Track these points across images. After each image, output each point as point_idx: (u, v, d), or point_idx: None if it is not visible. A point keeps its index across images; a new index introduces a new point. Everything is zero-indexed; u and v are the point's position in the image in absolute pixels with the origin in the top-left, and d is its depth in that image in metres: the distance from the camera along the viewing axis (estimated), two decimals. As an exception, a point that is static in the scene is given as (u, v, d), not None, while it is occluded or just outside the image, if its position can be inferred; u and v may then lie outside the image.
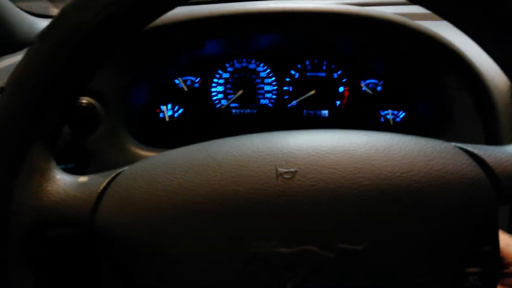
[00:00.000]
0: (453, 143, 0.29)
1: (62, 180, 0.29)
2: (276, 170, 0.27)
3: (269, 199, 0.26)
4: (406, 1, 0.59)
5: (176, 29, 0.58)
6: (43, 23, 0.82)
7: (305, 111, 0.74)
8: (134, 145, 0.59)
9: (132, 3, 0.26)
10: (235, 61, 0.74)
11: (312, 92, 0.73)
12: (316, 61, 0.73)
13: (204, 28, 0.59)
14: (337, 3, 0.57)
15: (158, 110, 0.74)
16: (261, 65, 0.74)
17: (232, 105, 0.75)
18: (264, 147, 0.28)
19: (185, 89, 0.74)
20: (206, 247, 0.26)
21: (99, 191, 0.28)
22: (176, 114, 0.75)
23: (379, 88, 0.72)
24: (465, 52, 0.55)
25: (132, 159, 0.58)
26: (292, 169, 0.27)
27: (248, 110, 0.75)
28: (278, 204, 0.26)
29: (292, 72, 0.73)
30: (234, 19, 0.57)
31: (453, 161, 0.27)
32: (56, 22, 0.26)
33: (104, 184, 0.29)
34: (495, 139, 0.53)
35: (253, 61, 0.74)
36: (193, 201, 0.27)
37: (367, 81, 0.72)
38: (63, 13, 0.26)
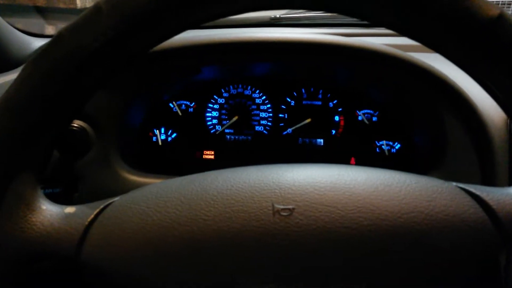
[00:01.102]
0: (454, 183, 0.28)
1: (47, 211, 0.27)
2: (273, 206, 0.26)
3: (265, 238, 0.25)
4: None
5: (173, 55, 0.57)
6: (38, 42, 0.82)
7: (300, 139, 0.74)
8: (125, 170, 0.58)
9: (131, 30, 0.25)
10: (231, 86, 0.74)
11: (308, 120, 0.73)
12: (312, 89, 0.73)
13: (200, 55, 0.59)
14: (331, 33, 0.58)
15: (151, 134, 0.73)
16: (257, 91, 0.74)
17: (226, 130, 0.74)
18: (260, 181, 0.27)
19: (179, 113, 0.74)
20: (198, 286, 0.25)
21: (86, 223, 0.27)
22: (169, 139, 0.74)
23: (374, 118, 0.72)
24: (459, 84, 0.55)
25: (123, 184, 0.56)
26: (290, 206, 0.26)
27: (242, 137, 0.74)
28: (274, 243, 0.25)
29: (288, 99, 0.73)
30: (231, 47, 0.57)
31: (455, 203, 0.26)
32: (51, 45, 0.25)
33: (92, 216, 0.27)
34: (491, 175, 0.52)
35: (249, 87, 0.74)
36: (185, 238, 0.25)
37: (363, 111, 0.72)
38: (59, 36, 0.25)
